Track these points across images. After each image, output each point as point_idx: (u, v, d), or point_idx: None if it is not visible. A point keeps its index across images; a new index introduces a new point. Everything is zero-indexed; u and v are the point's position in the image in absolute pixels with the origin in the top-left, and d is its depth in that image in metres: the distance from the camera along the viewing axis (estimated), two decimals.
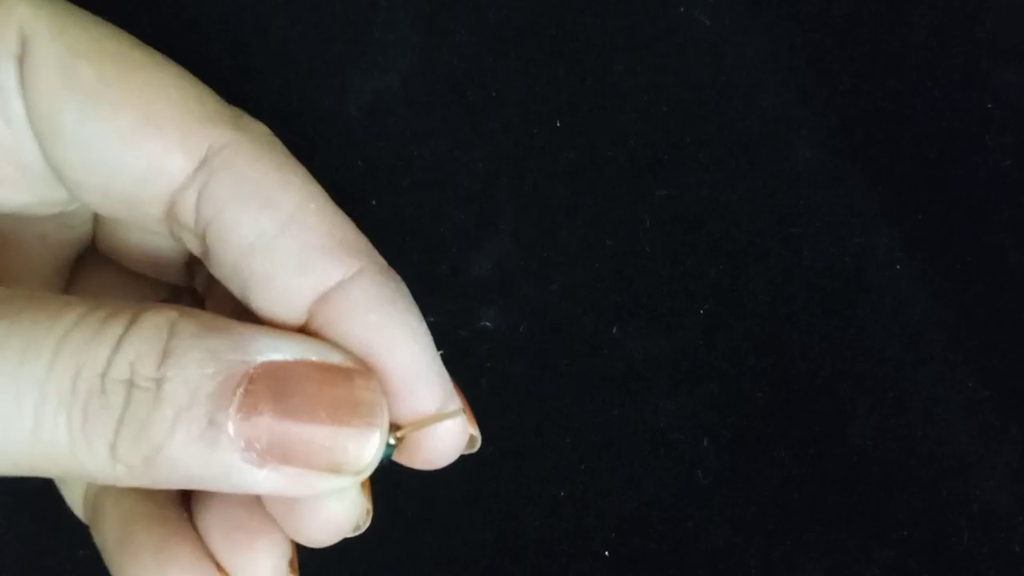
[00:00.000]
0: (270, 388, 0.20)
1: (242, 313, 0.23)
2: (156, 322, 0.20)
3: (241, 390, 0.20)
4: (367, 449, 0.21)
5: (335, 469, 0.21)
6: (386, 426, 0.22)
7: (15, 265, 0.26)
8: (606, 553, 0.33)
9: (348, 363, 0.22)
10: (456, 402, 0.24)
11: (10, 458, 0.20)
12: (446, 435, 0.23)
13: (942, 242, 0.34)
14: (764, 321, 0.33)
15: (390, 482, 0.33)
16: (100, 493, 0.26)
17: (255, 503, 0.24)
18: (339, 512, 0.23)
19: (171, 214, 0.23)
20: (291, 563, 0.24)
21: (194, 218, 0.23)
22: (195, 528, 0.24)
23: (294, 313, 0.22)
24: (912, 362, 0.33)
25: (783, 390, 0.33)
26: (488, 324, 0.33)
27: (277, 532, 0.24)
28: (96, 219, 0.28)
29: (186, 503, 0.25)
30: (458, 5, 0.33)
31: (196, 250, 0.24)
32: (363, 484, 0.24)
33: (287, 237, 0.22)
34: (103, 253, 0.28)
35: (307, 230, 0.22)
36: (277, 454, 0.20)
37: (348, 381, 0.21)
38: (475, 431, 0.24)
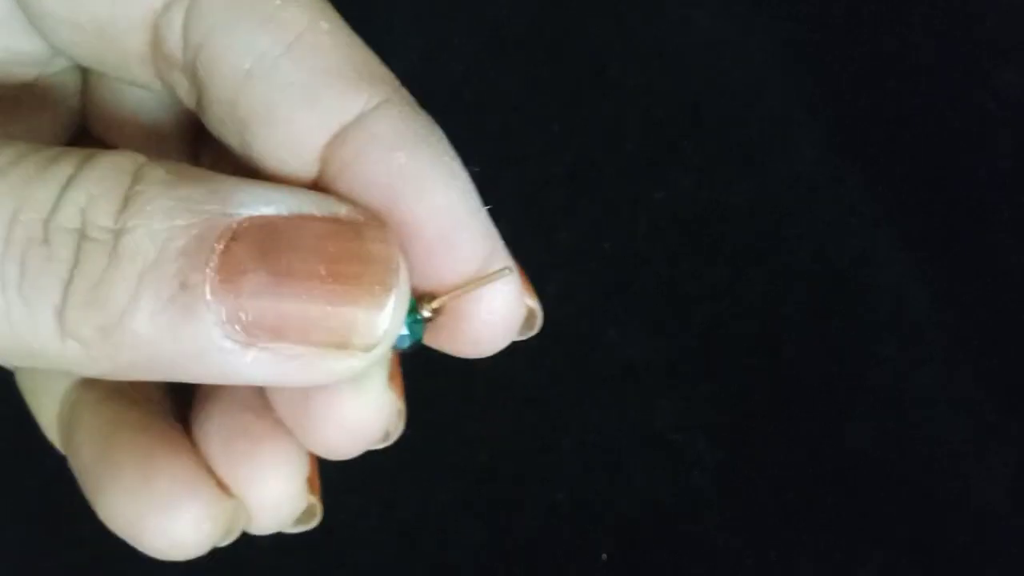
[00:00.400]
0: (258, 246, 0.16)
1: None
2: (116, 163, 0.17)
3: (221, 246, 0.16)
4: (380, 316, 0.17)
5: (341, 344, 0.17)
6: (405, 288, 0.17)
7: None
8: (604, 555, 0.33)
9: (356, 215, 0.17)
10: (506, 259, 0.18)
11: None
12: (496, 303, 0.18)
13: (942, 242, 0.34)
14: (762, 322, 0.33)
15: (386, 483, 0.33)
16: (76, 404, 0.21)
17: (263, 406, 0.20)
18: (359, 409, 0.19)
19: (156, 48, 0.19)
20: (310, 481, 0.20)
21: (182, 47, 0.19)
22: (192, 438, 0.20)
23: (303, 159, 0.18)
24: (912, 362, 0.33)
25: (781, 391, 0.33)
26: None
27: (290, 441, 0.20)
28: (84, 91, 0.24)
29: (180, 413, 0.21)
30: (457, 8, 0.33)
31: (189, 98, 0.20)
32: (391, 377, 0.19)
33: (292, 60, 0.18)
34: (95, 136, 0.24)
35: (317, 52, 0.18)
36: (267, 327, 0.16)
37: (356, 235, 0.17)
38: (534, 303, 0.19)
